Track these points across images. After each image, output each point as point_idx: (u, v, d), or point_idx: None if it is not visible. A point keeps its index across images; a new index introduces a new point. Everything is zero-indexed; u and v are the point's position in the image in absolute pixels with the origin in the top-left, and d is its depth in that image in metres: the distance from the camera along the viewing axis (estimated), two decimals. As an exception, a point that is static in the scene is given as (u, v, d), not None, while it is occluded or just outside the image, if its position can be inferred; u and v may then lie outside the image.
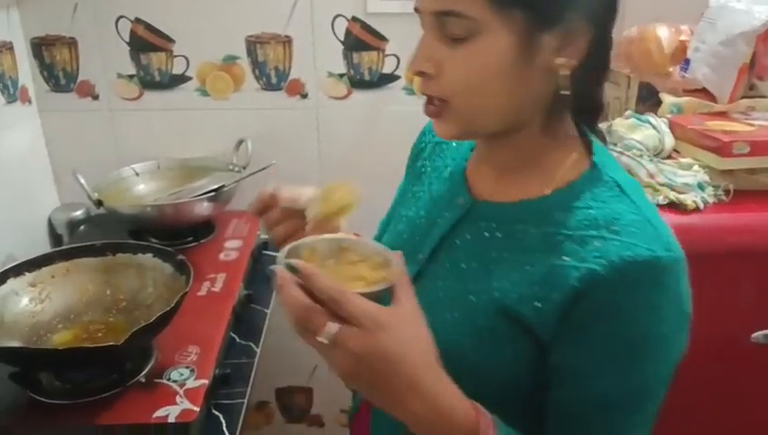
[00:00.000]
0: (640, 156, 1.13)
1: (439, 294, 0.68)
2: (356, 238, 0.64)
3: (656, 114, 1.25)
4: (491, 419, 0.57)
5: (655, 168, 1.11)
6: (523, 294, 0.61)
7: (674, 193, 1.07)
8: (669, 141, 1.18)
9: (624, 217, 0.60)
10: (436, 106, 0.63)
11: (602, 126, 0.81)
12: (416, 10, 0.62)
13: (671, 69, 1.31)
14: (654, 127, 1.19)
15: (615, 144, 1.16)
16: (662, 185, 1.08)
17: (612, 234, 0.59)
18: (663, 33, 1.32)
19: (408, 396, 0.53)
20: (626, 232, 0.58)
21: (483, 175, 0.72)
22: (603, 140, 0.70)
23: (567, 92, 0.60)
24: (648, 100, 1.40)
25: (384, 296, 0.55)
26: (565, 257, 0.60)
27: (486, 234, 0.67)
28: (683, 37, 1.32)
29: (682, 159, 1.15)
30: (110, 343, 0.84)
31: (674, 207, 1.06)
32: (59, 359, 0.84)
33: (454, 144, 0.79)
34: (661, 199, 1.06)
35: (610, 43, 0.63)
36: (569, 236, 0.61)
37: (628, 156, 1.13)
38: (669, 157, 1.18)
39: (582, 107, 0.66)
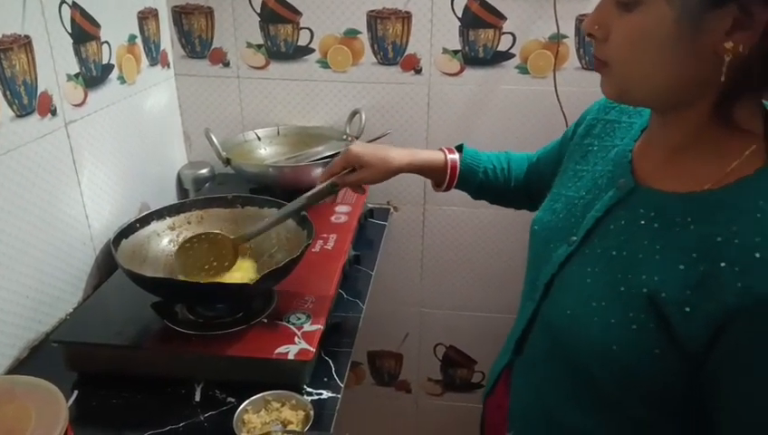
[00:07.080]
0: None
1: (587, 280, 0.66)
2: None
3: None
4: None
5: None
6: (673, 296, 0.58)
7: None
8: None
9: None
10: (599, 64, 0.64)
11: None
12: None
13: None
14: None
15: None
16: None
17: None
18: None
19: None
20: None
21: (649, 158, 0.68)
22: None
23: (749, 78, 0.55)
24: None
25: None
26: (723, 264, 0.55)
27: (642, 222, 0.64)
28: None
29: None
30: (244, 282, 0.93)
31: None
32: (197, 291, 0.93)
33: (624, 124, 0.76)
34: None
35: None
36: (730, 241, 0.55)
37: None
38: None
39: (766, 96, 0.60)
